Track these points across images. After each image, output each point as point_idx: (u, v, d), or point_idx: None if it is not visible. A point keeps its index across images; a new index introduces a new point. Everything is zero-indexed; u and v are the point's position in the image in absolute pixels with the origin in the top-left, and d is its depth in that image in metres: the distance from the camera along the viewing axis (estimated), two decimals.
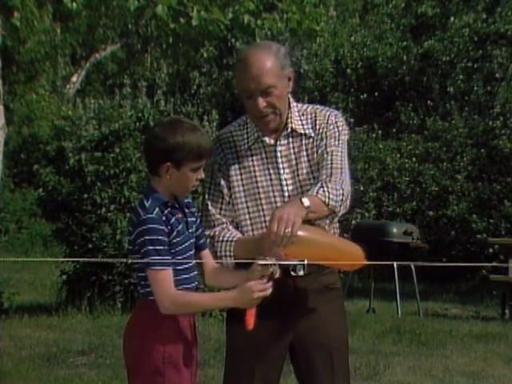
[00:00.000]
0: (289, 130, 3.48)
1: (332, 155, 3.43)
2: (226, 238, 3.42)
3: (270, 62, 3.37)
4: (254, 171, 3.47)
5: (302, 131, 3.48)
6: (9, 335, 8.74)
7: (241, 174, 3.48)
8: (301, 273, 3.28)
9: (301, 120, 3.50)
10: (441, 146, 15.39)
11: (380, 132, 15.95)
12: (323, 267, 3.42)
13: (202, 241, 3.35)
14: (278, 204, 3.40)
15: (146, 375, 3.20)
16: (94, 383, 6.85)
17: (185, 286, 3.20)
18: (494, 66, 16.16)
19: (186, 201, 3.32)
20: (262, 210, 3.43)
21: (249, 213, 3.45)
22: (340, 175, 3.41)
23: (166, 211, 3.18)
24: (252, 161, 3.48)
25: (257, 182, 3.46)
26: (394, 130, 16.36)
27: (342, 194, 3.37)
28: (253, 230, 3.44)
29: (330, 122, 3.49)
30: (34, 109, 22.19)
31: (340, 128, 3.50)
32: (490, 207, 14.53)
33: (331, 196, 3.32)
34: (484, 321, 10.50)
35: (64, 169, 11.03)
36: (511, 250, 11.31)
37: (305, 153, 3.47)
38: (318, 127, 3.49)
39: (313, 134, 3.48)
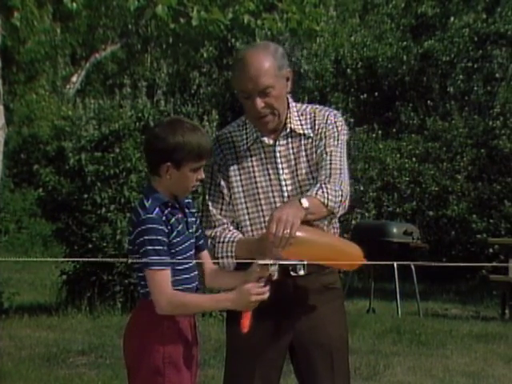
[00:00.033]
0: (288, 130, 3.47)
1: (331, 156, 3.43)
2: (227, 239, 3.42)
3: (267, 63, 3.36)
4: (254, 171, 3.47)
5: (301, 131, 3.48)
6: (9, 335, 8.74)
7: (240, 175, 3.47)
8: (301, 272, 3.28)
9: (300, 120, 3.50)
10: (441, 146, 15.39)
11: (380, 132, 15.95)
12: (323, 267, 3.42)
13: (200, 242, 3.35)
14: (278, 204, 3.40)
15: (146, 375, 3.19)
16: (94, 383, 6.85)
17: (185, 286, 3.20)
18: (494, 65, 16.15)
19: (186, 201, 3.32)
20: (262, 210, 3.43)
21: (248, 213, 3.45)
22: (339, 176, 3.40)
23: (166, 211, 3.18)
24: (251, 161, 3.48)
25: (256, 182, 3.46)
26: (394, 130, 16.36)
27: (341, 195, 3.37)
28: (252, 230, 3.44)
29: (329, 121, 3.49)
30: (33, 109, 22.20)
31: (339, 128, 3.49)
32: (490, 207, 14.53)
33: (330, 197, 3.32)
34: (484, 321, 10.50)
35: (64, 169, 11.03)
36: (511, 250, 11.32)
37: (304, 153, 3.47)
38: (317, 127, 3.48)
39: (312, 134, 3.48)
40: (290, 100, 3.52)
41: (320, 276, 3.46)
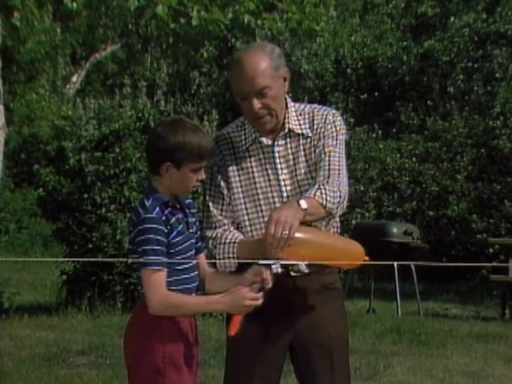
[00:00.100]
0: (286, 130, 3.47)
1: (330, 156, 3.42)
2: (228, 240, 3.41)
3: (264, 63, 3.35)
4: (253, 172, 3.47)
5: (300, 131, 3.48)
6: (9, 335, 8.74)
7: (239, 175, 3.47)
8: (303, 268, 3.28)
9: (298, 120, 3.49)
10: (441, 146, 15.39)
11: (380, 132, 15.95)
12: (323, 267, 3.42)
13: (198, 244, 3.35)
14: (277, 204, 3.40)
15: (146, 375, 3.19)
16: (94, 383, 6.85)
17: (185, 286, 3.21)
18: (494, 65, 16.15)
19: (187, 201, 3.32)
20: (261, 210, 3.43)
21: (248, 214, 3.45)
22: (337, 177, 3.40)
23: (166, 211, 3.18)
24: (250, 162, 3.48)
25: (255, 182, 3.46)
26: (394, 130, 16.36)
27: (340, 196, 3.36)
28: (252, 230, 3.44)
29: (327, 121, 3.48)
30: (34, 109, 22.19)
31: (338, 128, 3.49)
32: (490, 207, 14.53)
33: (328, 198, 3.31)
34: (484, 321, 10.50)
35: (64, 169, 11.03)
36: (511, 250, 11.32)
37: (302, 153, 3.46)
38: (315, 127, 3.47)
39: (310, 134, 3.47)
40: (288, 100, 3.51)
41: (320, 276, 3.46)
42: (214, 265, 3.43)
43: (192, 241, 3.28)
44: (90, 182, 10.51)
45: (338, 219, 3.52)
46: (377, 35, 17.84)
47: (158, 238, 3.12)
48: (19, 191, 20.39)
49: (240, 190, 3.46)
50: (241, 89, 3.37)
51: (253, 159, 3.47)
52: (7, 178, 19.45)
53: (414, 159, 15.27)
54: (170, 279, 3.17)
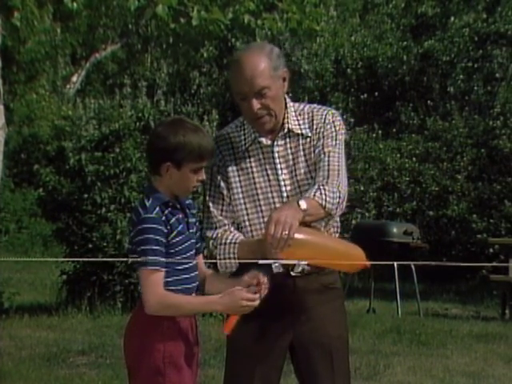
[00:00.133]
0: (285, 130, 3.47)
1: (329, 156, 3.42)
2: (228, 241, 3.41)
3: (262, 64, 3.35)
4: (252, 172, 3.47)
5: (299, 131, 3.48)
6: (9, 335, 8.74)
7: (239, 176, 3.47)
8: (305, 267, 3.28)
9: (298, 120, 3.49)
10: (441, 146, 15.39)
11: (380, 132, 15.96)
12: (323, 267, 3.42)
13: (197, 245, 3.35)
14: (277, 205, 3.39)
15: (146, 375, 3.19)
16: (95, 383, 6.85)
17: (185, 286, 3.21)
18: (494, 65, 16.15)
19: (187, 202, 3.32)
20: (261, 211, 3.43)
21: (248, 214, 3.45)
22: (337, 177, 3.40)
23: (166, 211, 3.18)
24: (250, 162, 3.47)
25: (255, 183, 3.45)
26: (394, 130, 16.36)
27: (339, 197, 3.36)
28: (252, 231, 3.44)
29: (327, 121, 3.48)
30: (34, 109, 22.19)
31: (337, 127, 3.49)
32: (490, 207, 14.53)
33: (328, 199, 3.31)
34: (484, 321, 10.50)
35: (64, 169, 11.03)
36: (511, 250, 11.32)
37: (302, 153, 3.46)
38: (315, 127, 3.47)
39: (310, 134, 3.47)
40: (288, 100, 3.51)
41: (320, 276, 3.46)
42: (214, 265, 3.43)
43: (192, 241, 3.28)
44: (90, 181, 10.52)
45: (337, 219, 3.52)
46: (377, 35, 17.84)
47: (158, 238, 3.13)
48: (19, 191, 20.39)
49: (240, 190, 3.46)
50: (240, 89, 3.37)
51: (252, 159, 3.47)
52: (7, 177, 19.45)
53: (414, 159, 15.27)
54: (170, 279, 3.17)
